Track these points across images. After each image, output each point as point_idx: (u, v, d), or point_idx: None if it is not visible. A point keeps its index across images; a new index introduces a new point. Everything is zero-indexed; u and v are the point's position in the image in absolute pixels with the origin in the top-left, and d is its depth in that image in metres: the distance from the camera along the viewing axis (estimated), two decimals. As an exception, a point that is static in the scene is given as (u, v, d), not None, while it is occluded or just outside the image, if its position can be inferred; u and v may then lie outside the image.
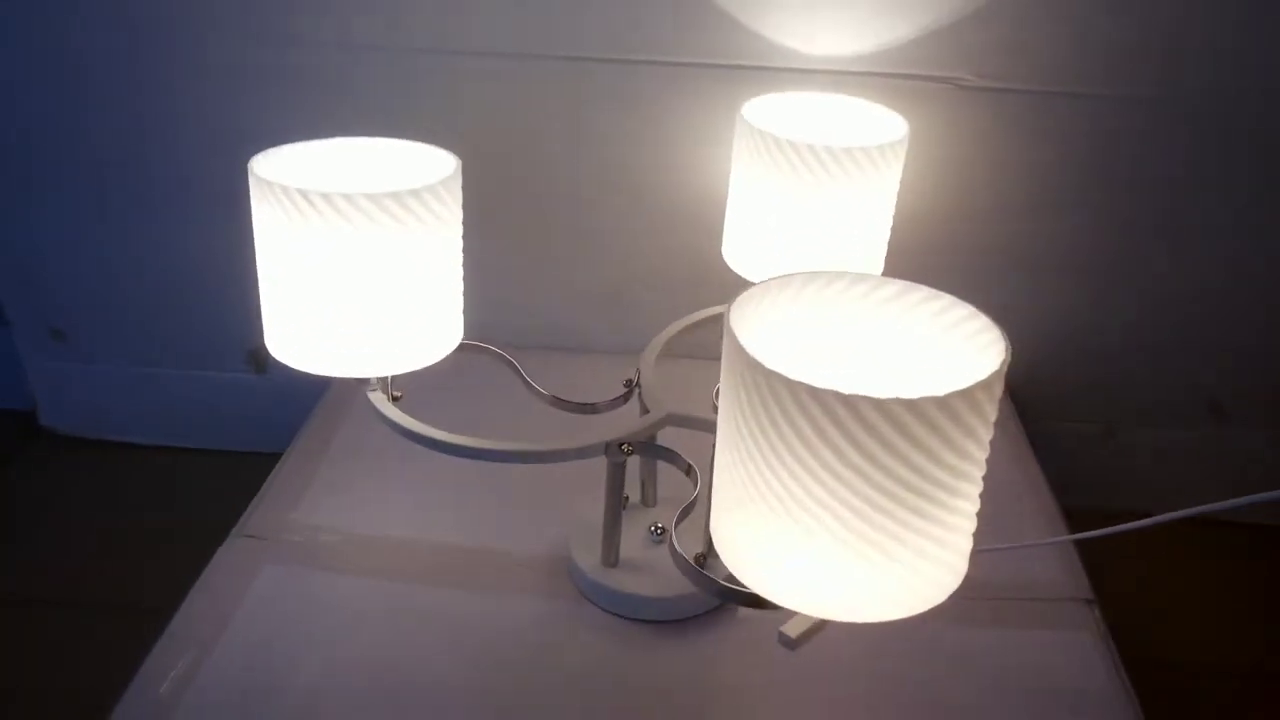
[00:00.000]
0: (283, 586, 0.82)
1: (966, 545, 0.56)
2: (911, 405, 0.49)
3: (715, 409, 0.81)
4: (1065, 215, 1.04)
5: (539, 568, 0.85)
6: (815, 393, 0.49)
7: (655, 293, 1.11)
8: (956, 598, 0.82)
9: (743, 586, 0.64)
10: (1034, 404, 1.11)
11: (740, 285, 0.61)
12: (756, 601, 0.64)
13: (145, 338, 1.20)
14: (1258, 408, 1.14)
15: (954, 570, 0.56)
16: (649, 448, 0.78)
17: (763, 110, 0.89)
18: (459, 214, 0.76)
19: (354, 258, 0.70)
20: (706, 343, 0.84)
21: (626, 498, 0.84)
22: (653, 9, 0.98)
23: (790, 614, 0.62)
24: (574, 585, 0.83)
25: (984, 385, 0.50)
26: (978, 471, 0.54)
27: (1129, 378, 1.14)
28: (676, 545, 0.68)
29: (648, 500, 0.89)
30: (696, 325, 0.92)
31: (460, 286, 0.80)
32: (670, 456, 0.78)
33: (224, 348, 1.20)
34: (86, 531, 1.13)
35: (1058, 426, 1.15)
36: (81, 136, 1.09)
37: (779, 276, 0.60)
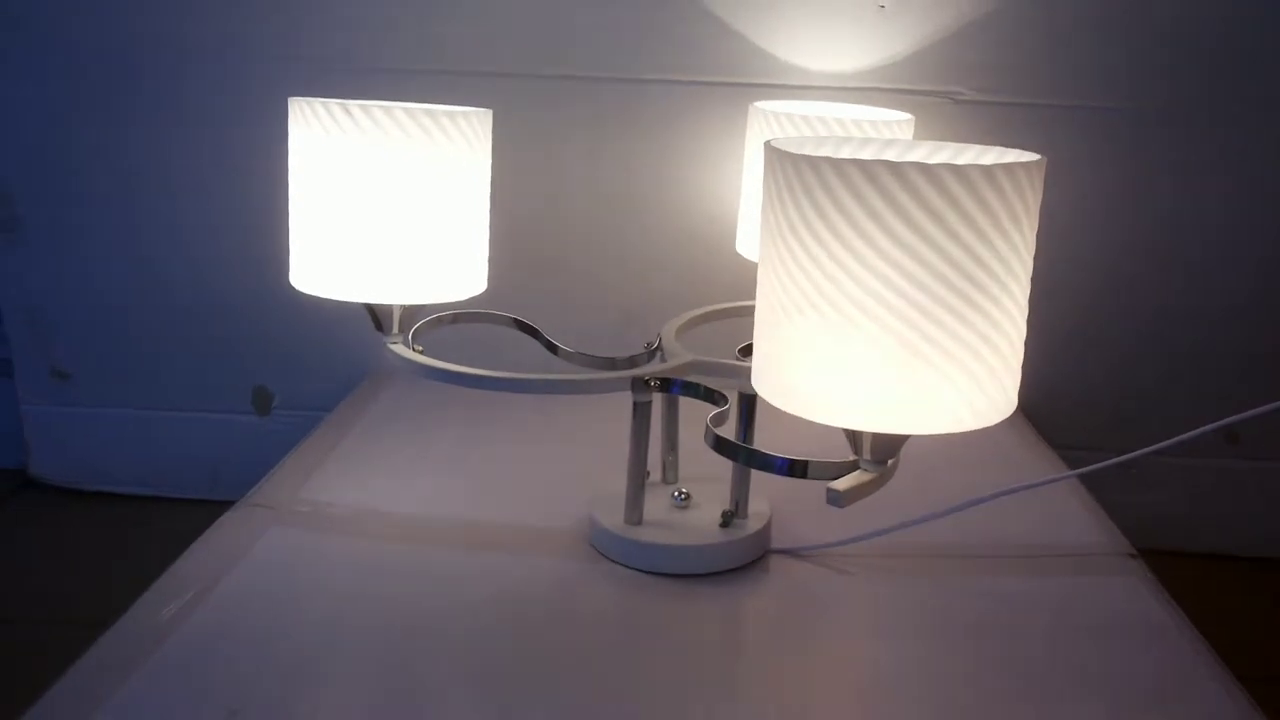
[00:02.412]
0: (290, 542, 0.78)
1: (1016, 361, 0.56)
2: (959, 172, 0.49)
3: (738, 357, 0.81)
4: (1068, 234, 1.08)
5: (558, 535, 0.82)
6: (863, 166, 0.50)
7: (667, 310, 1.12)
8: (999, 554, 0.80)
9: (776, 457, 0.63)
10: (1050, 436, 1.11)
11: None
12: (796, 469, 0.62)
13: (148, 378, 1.19)
14: (1273, 436, 1.14)
15: (1005, 389, 0.55)
16: (675, 383, 0.77)
17: (772, 108, 0.93)
18: (488, 155, 0.78)
19: (388, 173, 0.72)
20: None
21: (648, 473, 0.82)
22: (665, 30, 1.04)
23: (832, 476, 0.60)
24: (595, 549, 0.80)
25: (1026, 166, 0.51)
26: (1023, 271, 0.54)
27: (1145, 407, 1.14)
28: (714, 429, 0.66)
29: (668, 478, 0.87)
30: (713, 315, 0.92)
31: (486, 235, 0.81)
32: (696, 389, 0.76)
33: (227, 388, 1.19)
34: (76, 586, 1.06)
35: (1075, 457, 1.14)
36: (94, 171, 1.13)
37: (811, 138, 0.62)
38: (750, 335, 0.73)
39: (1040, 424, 1.10)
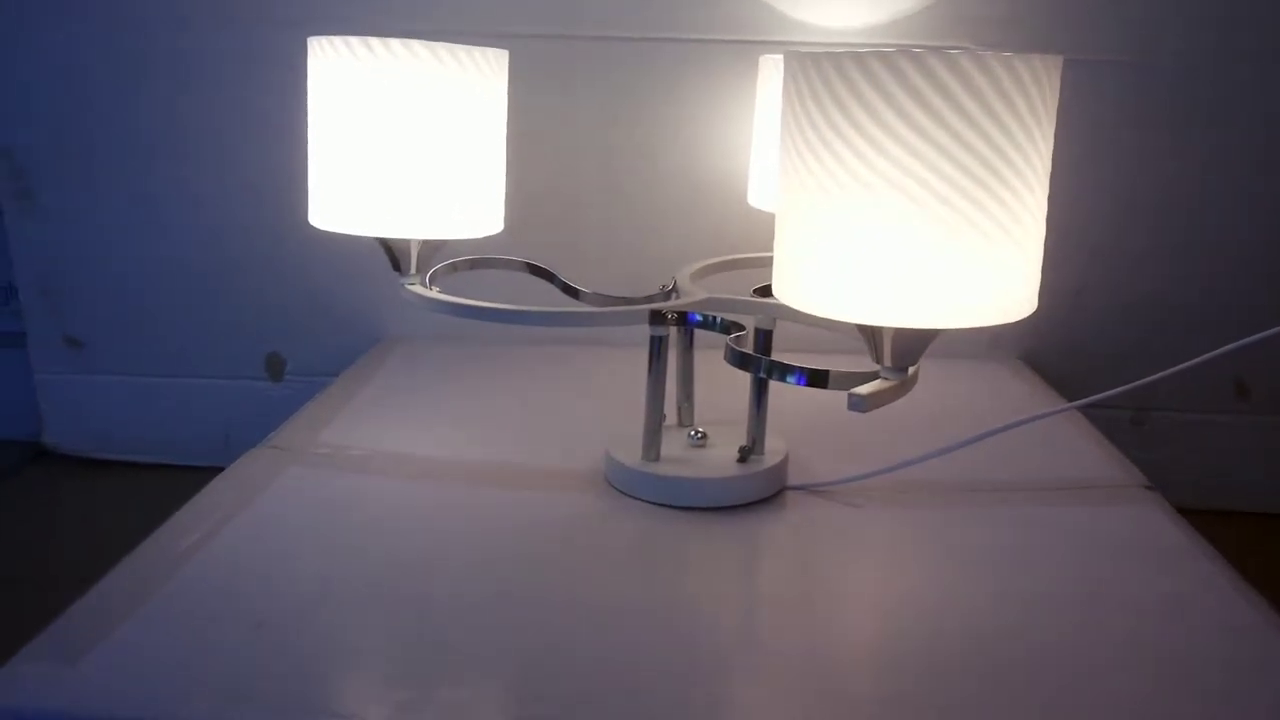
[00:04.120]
0: (310, 480, 0.79)
1: (1036, 258, 0.56)
2: (980, 61, 0.50)
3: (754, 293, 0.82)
4: (1076, 186, 1.08)
5: (575, 474, 0.82)
6: (885, 58, 0.51)
7: (680, 264, 1.12)
8: (1014, 488, 0.81)
9: (796, 367, 0.63)
10: (1061, 391, 1.11)
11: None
12: (816, 379, 0.62)
13: (161, 345, 1.20)
14: (1280, 388, 1.15)
15: (1025, 284, 0.56)
16: (692, 315, 0.78)
17: (779, 64, 0.94)
18: (504, 93, 0.79)
19: (405, 106, 0.73)
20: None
21: (664, 417, 0.82)
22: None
23: (853, 386, 0.61)
24: (613, 486, 0.80)
25: (1044, 59, 0.52)
26: (1042, 168, 0.54)
27: (1155, 360, 1.14)
28: (735, 348, 0.67)
29: (684, 421, 0.87)
30: (727, 264, 0.93)
31: (503, 176, 0.81)
32: (711, 321, 0.77)
33: (240, 354, 1.20)
34: (91, 554, 1.06)
35: (1086, 413, 1.14)
36: (105, 141, 1.14)
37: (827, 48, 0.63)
38: (763, 281, 0.73)
39: (1049, 378, 1.11)
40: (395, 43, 0.72)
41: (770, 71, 0.92)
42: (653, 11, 1.07)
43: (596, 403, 0.98)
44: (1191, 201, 1.11)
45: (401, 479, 0.80)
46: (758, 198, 0.97)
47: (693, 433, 0.83)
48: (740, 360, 0.67)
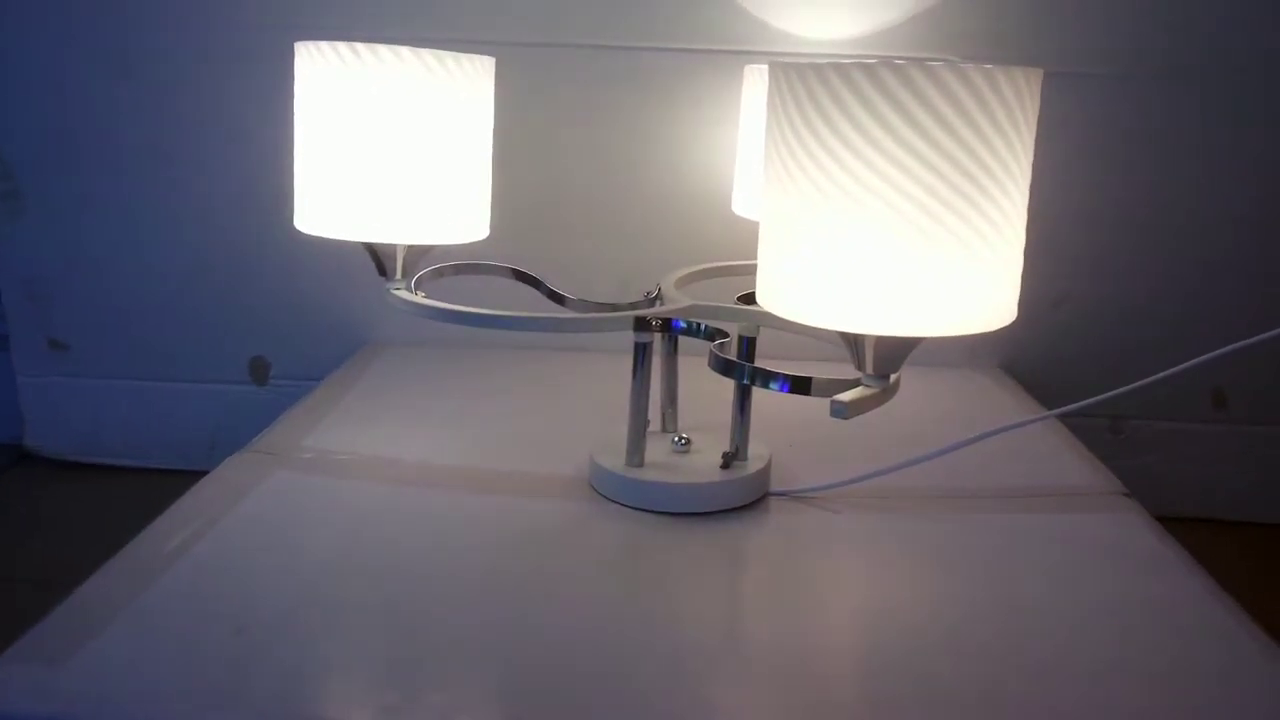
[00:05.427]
0: (295, 484, 0.79)
1: (1016, 268, 0.57)
2: (961, 73, 0.51)
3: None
4: (1055, 198, 1.09)
5: (559, 480, 0.82)
6: (868, 69, 0.52)
7: (664, 271, 1.13)
8: (994, 495, 0.81)
9: (779, 374, 0.64)
10: (1040, 399, 1.12)
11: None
12: (799, 385, 0.63)
13: (146, 348, 1.20)
14: (1260, 400, 1.16)
15: (1005, 293, 0.57)
16: (677, 321, 0.78)
17: (763, 73, 0.95)
18: (491, 99, 0.80)
19: (392, 112, 0.73)
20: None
21: (648, 422, 0.83)
22: (660, -1, 1.07)
23: (836, 393, 0.61)
24: (597, 491, 0.80)
25: (1025, 71, 0.53)
26: (1022, 178, 0.55)
27: (1134, 369, 1.16)
28: (719, 354, 0.67)
29: (667, 428, 0.88)
30: (711, 271, 0.93)
31: (489, 182, 0.82)
32: (696, 328, 0.78)
33: (225, 358, 1.20)
34: (74, 559, 1.05)
35: (1065, 421, 1.15)
36: (92, 143, 1.14)
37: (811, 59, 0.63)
38: (747, 288, 0.74)
39: (1029, 386, 1.12)
40: (383, 48, 0.72)
41: (755, 81, 0.93)
42: (639, 21, 1.08)
43: (581, 408, 0.99)
44: (1171, 212, 1.12)
45: (386, 483, 0.80)
46: (742, 206, 0.98)
47: (676, 439, 0.83)
48: (724, 367, 0.67)
